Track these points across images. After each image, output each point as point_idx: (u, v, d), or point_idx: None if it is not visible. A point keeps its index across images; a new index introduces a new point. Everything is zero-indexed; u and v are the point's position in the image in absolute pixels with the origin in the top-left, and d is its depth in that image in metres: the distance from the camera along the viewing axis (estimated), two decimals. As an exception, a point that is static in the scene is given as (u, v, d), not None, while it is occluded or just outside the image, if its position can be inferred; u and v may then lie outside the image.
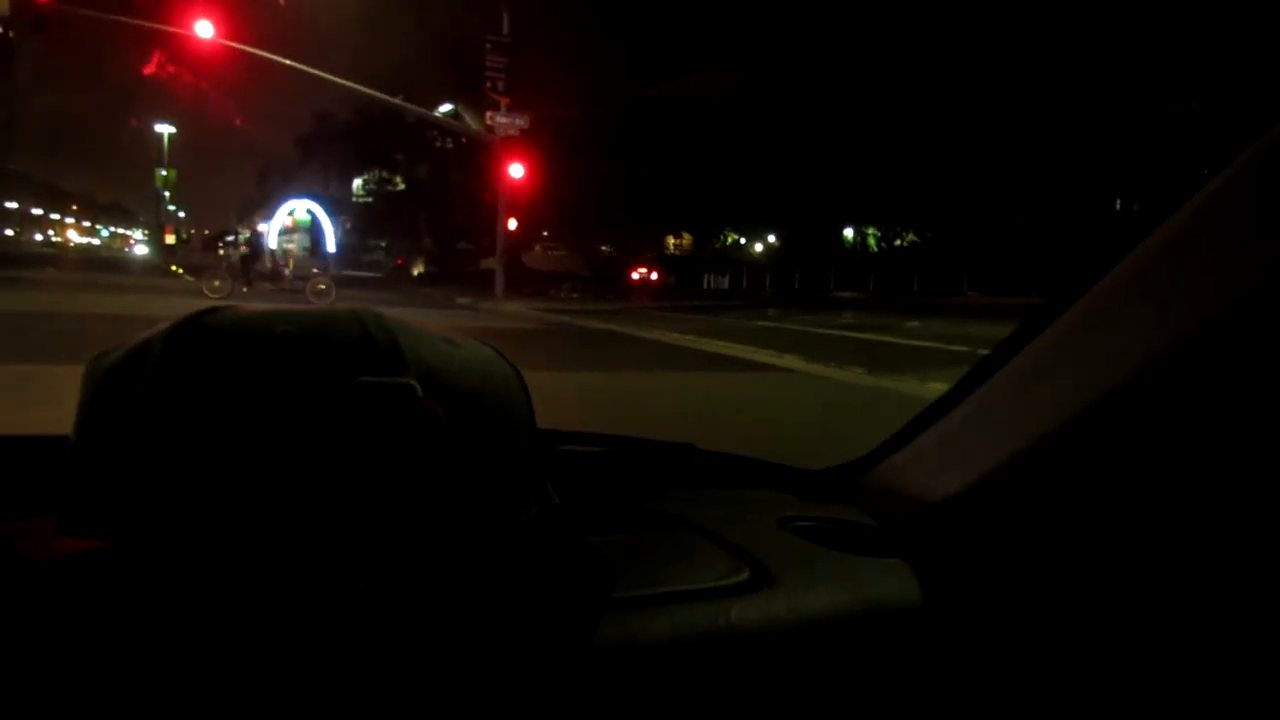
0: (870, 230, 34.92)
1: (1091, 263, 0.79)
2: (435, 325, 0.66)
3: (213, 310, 0.58)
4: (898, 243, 34.38)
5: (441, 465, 0.57)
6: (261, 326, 0.56)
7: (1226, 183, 0.68)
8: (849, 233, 34.91)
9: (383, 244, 41.37)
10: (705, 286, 33.32)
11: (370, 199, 43.00)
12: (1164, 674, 0.77)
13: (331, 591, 0.54)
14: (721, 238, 36.96)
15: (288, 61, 19.42)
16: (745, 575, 0.74)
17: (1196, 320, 0.68)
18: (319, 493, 0.53)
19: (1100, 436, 0.76)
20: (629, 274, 33.22)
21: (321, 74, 20.27)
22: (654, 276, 33.51)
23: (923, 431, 0.96)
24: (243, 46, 18.47)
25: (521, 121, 21.64)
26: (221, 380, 0.54)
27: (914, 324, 15.38)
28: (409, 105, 24.12)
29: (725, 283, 34.23)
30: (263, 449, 0.53)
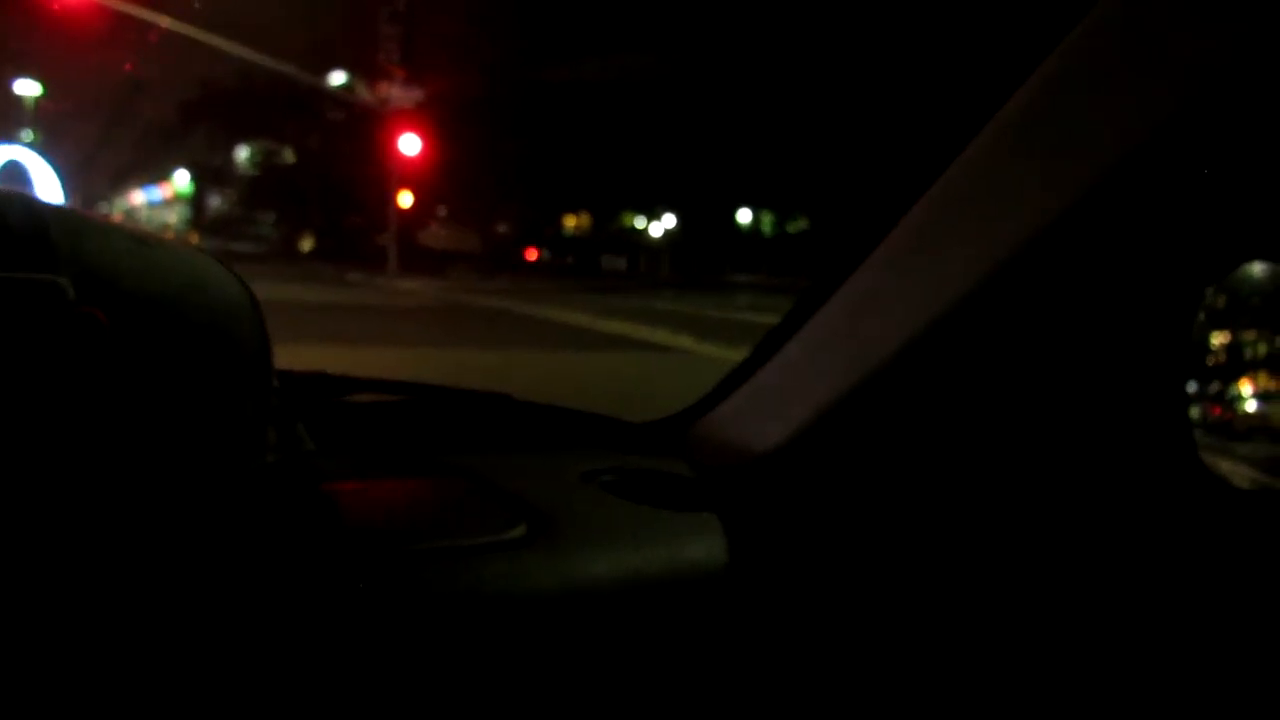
0: (765, 215, 35.42)
1: (900, 193, 0.74)
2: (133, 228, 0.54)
3: None
4: (791, 228, 34.98)
5: (102, 382, 0.48)
6: None
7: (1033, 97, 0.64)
8: (747, 218, 35.32)
9: (270, 219, 39.81)
10: (603, 268, 33.19)
11: (257, 171, 41.31)
12: (987, 625, 0.72)
13: None
14: (620, 219, 36.92)
15: (164, 20, 18.34)
16: (521, 531, 0.64)
17: (1015, 238, 0.63)
18: None
19: (915, 373, 0.71)
20: (526, 253, 32.86)
21: (202, 34, 19.24)
22: (550, 256, 33.26)
23: (748, 379, 0.89)
24: (111, 3, 17.33)
25: (416, 95, 21.10)
26: None
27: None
28: (295, 73, 23.16)
29: (623, 264, 34.16)
30: None
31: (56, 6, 17.17)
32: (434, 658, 0.55)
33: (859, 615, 0.73)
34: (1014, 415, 0.71)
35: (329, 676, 0.52)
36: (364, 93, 24.37)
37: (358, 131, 28.20)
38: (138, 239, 0.53)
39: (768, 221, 35.81)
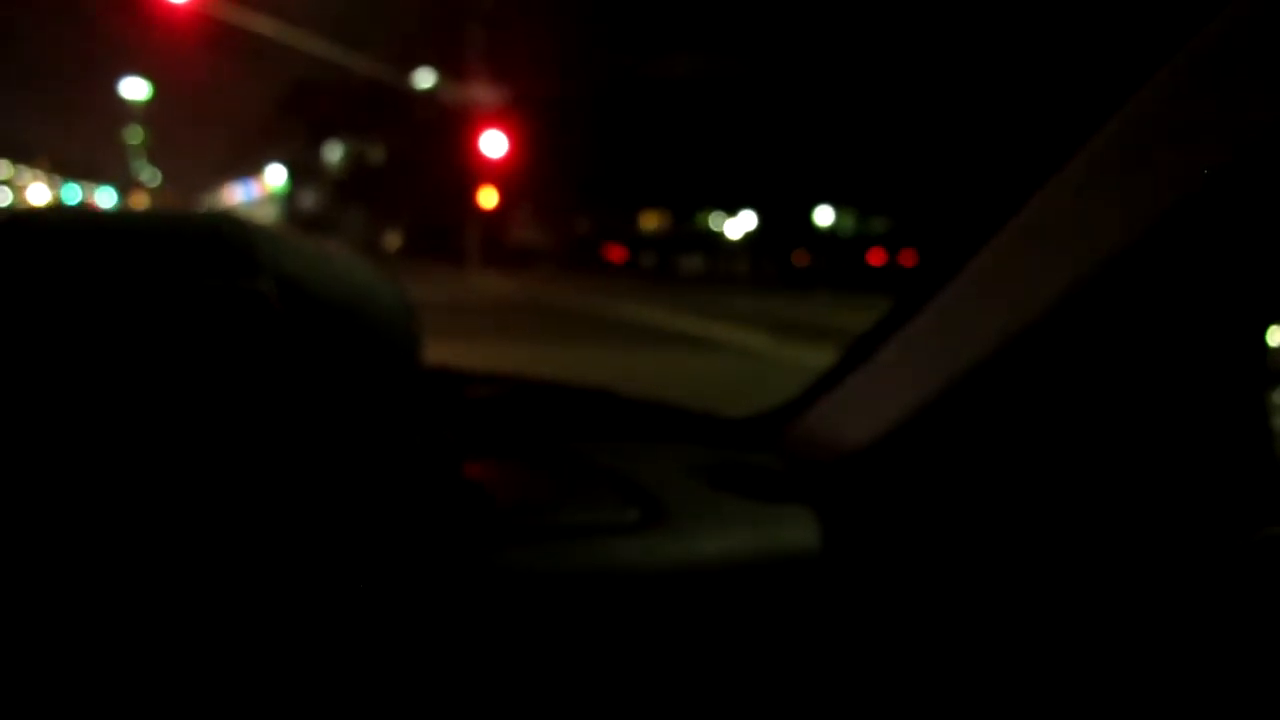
0: (845, 215, 34.94)
1: (1004, 203, 0.78)
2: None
3: (50, 209, 0.54)
4: (871, 228, 34.43)
5: (298, 378, 0.54)
6: (96, 223, 0.53)
7: (1127, 120, 0.67)
8: (827, 217, 34.88)
9: (358, 216, 40.96)
10: (681, 267, 33.27)
11: (347, 169, 42.58)
12: (1070, 622, 0.75)
13: (161, 509, 0.51)
14: (697, 219, 36.92)
15: (264, 27, 19.08)
16: (635, 515, 0.71)
17: (1102, 255, 0.67)
18: (151, 396, 0.50)
19: (1010, 378, 0.75)
20: (605, 251, 33.14)
21: (299, 39, 19.94)
22: (629, 255, 33.47)
23: (843, 378, 0.94)
24: (216, 10, 18.12)
25: (500, 95, 21.46)
26: (40, 277, 0.49)
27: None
28: (386, 74, 23.81)
29: (700, 264, 34.20)
30: (89, 348, 0.49)
31: (162, 12, 18.00)
32: (557, 631, 0.62)
33: (934, 604, 0.78)
34: (1097, 425, 0.75)
35: (482, 644, 0.60)
36: (450, 93, 24.90)
37: (444, 131, 28.84)
38: (319, 252, 0.61)
39: (848, 221, 35.33)
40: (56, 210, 0.54)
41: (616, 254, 33.40)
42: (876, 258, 31.74)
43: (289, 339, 0.53)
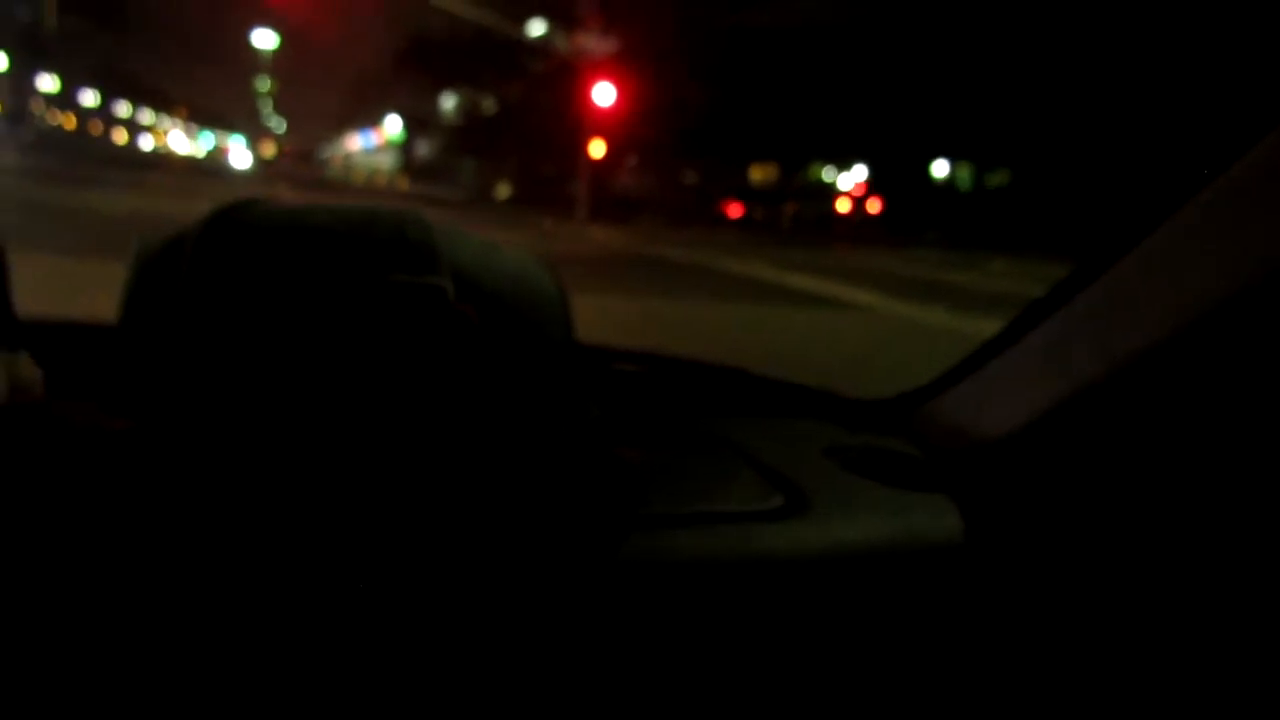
0: (962, 168, 33.60)
1: (1159, 202, 0.75)
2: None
3: (248, 202, 0.59)
4: (990, 182, 33.01)
5: (472, 369, 0.58)
6: (294, 220, 0.57)
7: None
8: (942, 170, 33.64)
9: (471, 166, 41.68)
10: (790, 220, 32.74)
11: (460, 120, 43.26)
12: (1210, 629, 0.74)
13: (353, 484, 0.55)
14: (808, 171, 36.15)
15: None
16: (780, 501, 0.73)
17: (1263, 263, 0.64)
18: (346, 387, 0.54)
19: (1160, 380, 0.73)
20: (714, 204, 32.84)
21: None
22: (738, 208, 33.09)
23: (982, 366, 0.93)
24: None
25: (611, 45, 21.34)
26: (251, 272, 0.54)
27: (999, 265, 14.91)
28: (498, 24, 23.95)
29: (810, 214, 33.54)
30: (289, 341, 0.53)
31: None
32: (706, 615, 0.65)
33: (1077, 599, 0.77)
34: (1243, 430, 0.72)
35: (636, 627, 0.63)
36: (561, 43, 24.91)
37: (554, 81, 28.93)
38: (484, 244, 0.64)
39: (965, 175, 33.99)
40: (256, 205, 0.58)
41: (729, 208, 33.05)
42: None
43: (464, 329, 0.57)
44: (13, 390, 0.60)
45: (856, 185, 34.23)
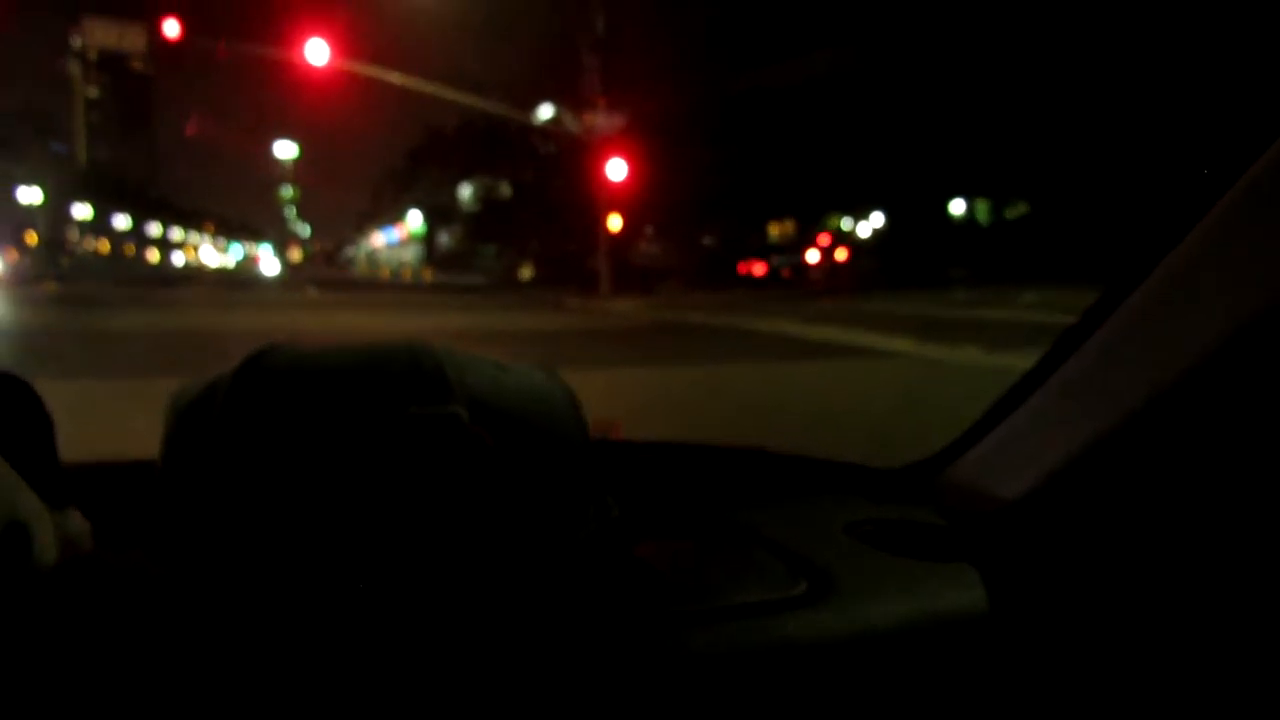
0: (980, 203, 33.54)
1: (1162, 234, 0.74)
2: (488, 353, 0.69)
3: (273, 348, 0.63)
4: (1009, 214, 32.87)
5: (492, 489, 0.60)
6: (316, 363, 0.61)
7: None
8: (960, 208, 33.63)
9: (492, 251, 42.38)
10: (809, 272, 32.82)
11: (479, 207, 44.13)
12: (1247, 683, 0.73)
13: (387, 609, 0.58)
14: (825, 222, 36.32)
15: (394, 77, 20.12)
16: (803, 588, 0.74)
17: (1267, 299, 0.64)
18: (374, 519, 0.57)
19: (1182, 425, 0.72)
20: (734, 265, 33.06)
21: (426, 86, 20.92)
22: (759, 266, 33.28)
23: (998, 424, 0.93)
24: (353, 67, 19.26)
25: (618, 120, 21.81)
26: (280, 416, 0.58)
27: (1031, 297, 14.78)
28: (508, 112, 24.60)
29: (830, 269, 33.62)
30: (320, 480, 0.57)
31: (306, 75, 19.25)
32: (736, 709, 0.65)
33: (1102, 658, 0.76)
34: (1259, 477, 0.72)
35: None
36: (570, 124, 25.49)
37: (566, 161, 29.53)
38: (495, 365, 0.67)
39: (983, 209, 33.96)
40: (279, 351, 0.62)
41: (749, 268, 33.29)
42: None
43: (480, 452, 0.60)
44: (63, 546, 0.63)
45: (874, 232, 34.35)
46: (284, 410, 0.59)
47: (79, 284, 26.21)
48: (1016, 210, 32.75)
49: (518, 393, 0.66)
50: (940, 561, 0.80)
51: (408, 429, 0.58)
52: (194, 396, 0.62)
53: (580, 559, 0.68)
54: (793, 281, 30.82)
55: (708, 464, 1.04)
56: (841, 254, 33.70)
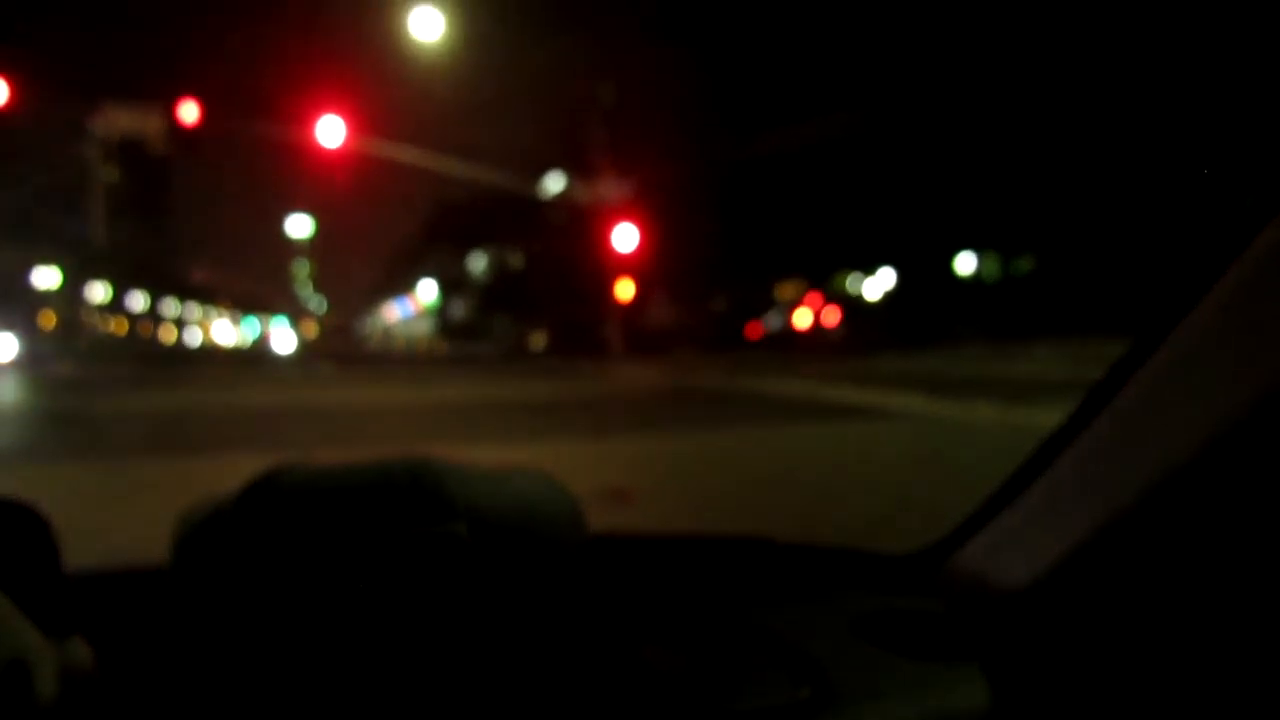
0: (988, 259, 33.67)
1: (1175, 298, 0.71)
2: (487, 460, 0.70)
3: (280, 470, 0.64)
4: (1016, 269, 32.97)
5: (490, 603, 0.61)
6: (323, 483, 0.62)
7: None
8: (968, 266, 33.76)
9: (505, 321, 42.77)
10: (819, 332, 32.94)
11: (490, 277, 44.65)
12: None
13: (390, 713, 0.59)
14: (834, 282, 36.51)
15: (406, 155, 20.56)
16: (806, 693, 0.73)
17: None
18: (376, 629, 0.59)
19: (1202, 506, 0.71)
20: (744, 328, 33.24)
21: (437, 162, 21.35)
22: (758, 329, 33.50)
23: (1009, 504, 0.92)
24: (365, 145, 19.73)
25: (627, 188, 22.14)
26: (285, 539, 0.60)
27: (1043, 351, 14.75)
28: (518, 186, 25.05)
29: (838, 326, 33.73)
30: (327, 596, 0.59)
31: (320, 156, 19.73)
32: None
33: None
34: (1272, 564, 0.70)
35: None
36: (579, 193, 25.91)
37: (576, 229, 29.92)
38: (491, 477, 0.68)
39: (991, 265, 34.09)
40: (285, 474, 0.63)
41: (756, 330, 33.46)
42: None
43: (481, 567, 0.61)
44: (65, 677, 0.63)
45: (884, 293, 34.48)
46: (289, 533, 0.60)
47: (95, 365, 26.60)
48: (1024, 265, 32.85)
49: (519, 500, 0.67)
50: (945, 660, 0.79)
51: (409, 548, 0.60)
52: (201, 519, 0.63)
53: (579, 664, 0.68)
54: (800, 341, 30.90)
55: (713, 557, 1.04)
56: (832, 316, 33.65)
